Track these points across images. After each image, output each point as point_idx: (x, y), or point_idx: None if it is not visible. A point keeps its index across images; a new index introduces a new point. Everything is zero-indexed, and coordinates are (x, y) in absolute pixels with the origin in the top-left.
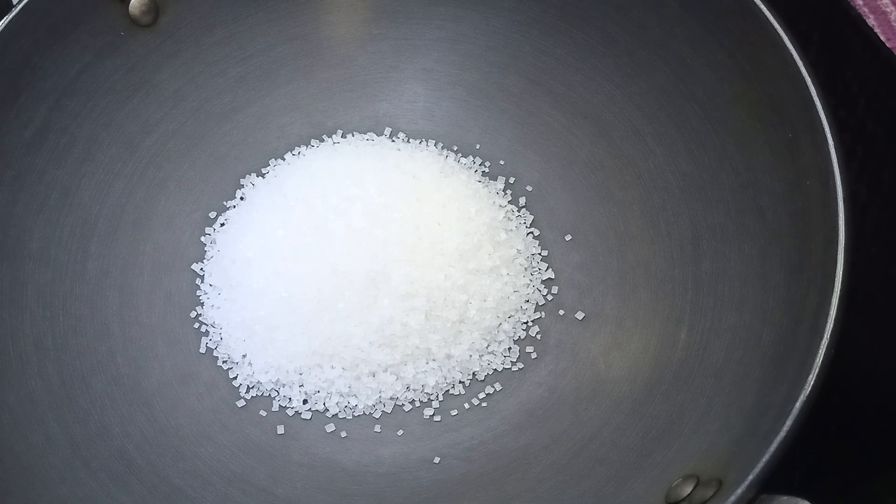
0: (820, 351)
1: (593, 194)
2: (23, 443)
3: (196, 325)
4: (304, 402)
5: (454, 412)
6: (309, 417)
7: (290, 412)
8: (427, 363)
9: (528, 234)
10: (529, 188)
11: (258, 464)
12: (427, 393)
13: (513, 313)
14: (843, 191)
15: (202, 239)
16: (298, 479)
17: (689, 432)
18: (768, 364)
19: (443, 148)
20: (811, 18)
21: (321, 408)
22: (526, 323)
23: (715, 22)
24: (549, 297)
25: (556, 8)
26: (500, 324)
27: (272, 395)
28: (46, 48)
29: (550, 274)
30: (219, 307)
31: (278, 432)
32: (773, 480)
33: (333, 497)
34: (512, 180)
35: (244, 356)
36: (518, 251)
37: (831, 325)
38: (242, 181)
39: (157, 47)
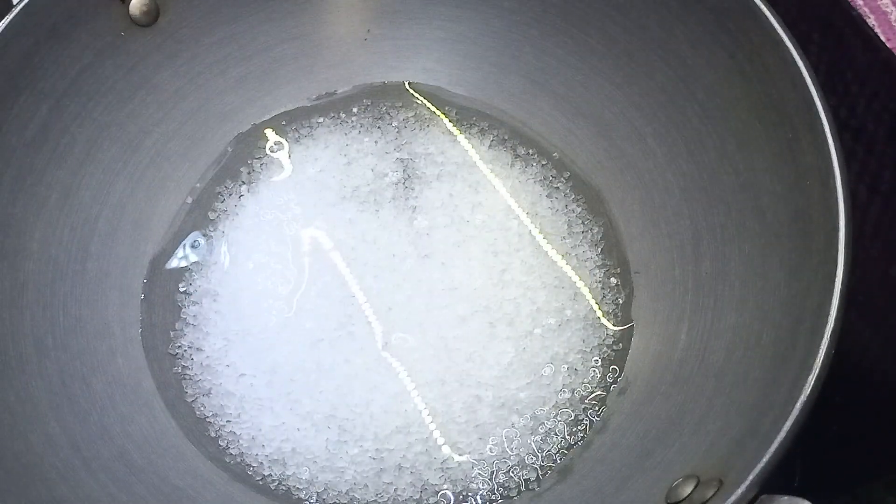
0: (820, 351)
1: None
2: (23, 443)
3: (195, 325)
4: None
5: None
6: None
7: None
8: None
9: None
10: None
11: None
12: None
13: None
14: (843, 191)
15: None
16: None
17: (690, 432)
18: (768, 364)
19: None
20: (811, 18)
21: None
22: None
23: (715, 22)
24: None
25: (556, 8)
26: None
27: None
28: (46, 48)
29: None
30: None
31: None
32: (773, 480)
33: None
34: None
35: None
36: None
37: (831, 325)
38: (242, 181)
39: (157, 47)
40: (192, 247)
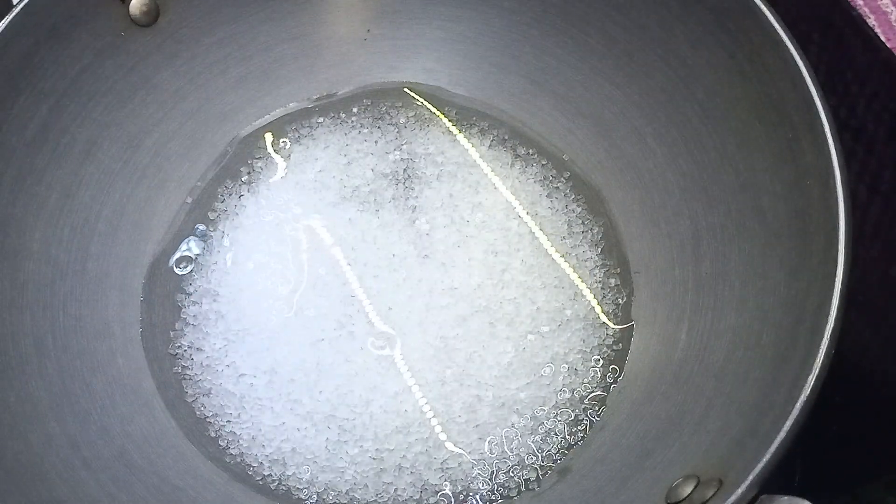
0: (820, 351)
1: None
2: (23, 443)
3: (195, 325)
4: None
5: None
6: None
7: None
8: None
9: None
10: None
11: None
12: None
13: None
14: (843, 191)
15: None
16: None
17: (690, 432)
18: (768, 364)
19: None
20: (811, 18)
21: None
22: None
23: (715, 22)
24: None
25: (556, 8)
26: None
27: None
28: (46, 48)
29: None
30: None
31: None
32: (773, 480)
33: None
34: None
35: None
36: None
37: (831, 325)
38: (242, 181)
39: (157, 47)
40: (196, 237)
